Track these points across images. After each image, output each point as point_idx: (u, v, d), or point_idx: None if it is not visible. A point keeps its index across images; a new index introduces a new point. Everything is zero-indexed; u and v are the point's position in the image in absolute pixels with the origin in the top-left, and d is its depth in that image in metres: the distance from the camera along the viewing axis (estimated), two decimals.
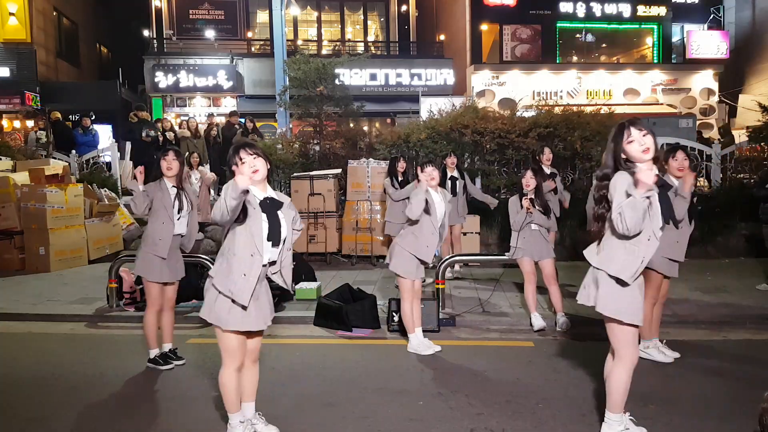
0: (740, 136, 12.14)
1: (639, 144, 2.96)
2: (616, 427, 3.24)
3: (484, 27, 19.64)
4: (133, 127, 12.14)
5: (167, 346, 4.77)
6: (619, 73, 19.89)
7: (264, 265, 3.12)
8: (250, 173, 3.01)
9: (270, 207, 3.09)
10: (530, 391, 4.15)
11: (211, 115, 14.79)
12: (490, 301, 6.39)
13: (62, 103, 15.86)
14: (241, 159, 3.03)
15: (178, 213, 4.48)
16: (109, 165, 12.30)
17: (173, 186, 4.51)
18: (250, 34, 20.93)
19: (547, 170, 6.78)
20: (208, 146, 12.44)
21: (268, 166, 3.13)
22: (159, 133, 12.17)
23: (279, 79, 12.06)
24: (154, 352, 4.70)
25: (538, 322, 5.52)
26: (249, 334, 3.24)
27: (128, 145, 12.51)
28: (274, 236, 3.08)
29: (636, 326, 3.10)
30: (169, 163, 4.47)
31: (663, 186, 3.08)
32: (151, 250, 4.50)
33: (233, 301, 3.07)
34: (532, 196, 5.39)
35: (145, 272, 4.55)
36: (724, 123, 17.05)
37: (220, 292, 3.10)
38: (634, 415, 3.54)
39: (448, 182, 7.25)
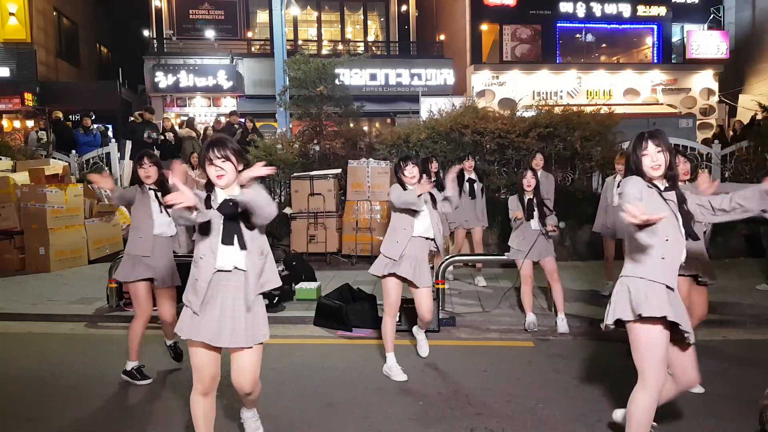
0: None
1: (651, 159, 2.87)
2: None
3: (484, 27, 19.64)
4: (136, 127, 12.14)
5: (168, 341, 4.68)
6: (619, 73, 19.89)
7: (220, 271, 2.81)
8: (215, 177, 2.82)
9: (230, 209, 2.79)
10: (530, 391, 4.15)
11: (218, 118, 14.77)
12: (490, 300, 6.40)
13: (62, 103, 15.85)
14: (209, 160, 2.81)
15: (160, 213, 4.33)
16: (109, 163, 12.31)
17: (151, 188, 4.38)
18: (250, 34, 20.93)
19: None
20: None
21: (240, 168, 2.85)
22: (159, 135, 12.16)
23: (279, 79, 12.05)
24: (131, 365, 4.42)
25: (529, 319, 5.55)
26: (235, 360, 2.91)
27: (128, 144, 12.51)
28: (230, 239, 2.80)
29: (655, 338, 2.84)
30: (147, 171, 4.34)
31: (681, 200, 2.93)
32: (131, 250, 4.33)
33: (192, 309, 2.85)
34: (530, 197, 5.40)
35: (124, 275, 4.34)
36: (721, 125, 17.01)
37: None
38: None
39: (466, 184, 7.14)
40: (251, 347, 2.87)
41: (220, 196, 2.85)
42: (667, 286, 2.87)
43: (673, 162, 2.89)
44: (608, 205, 6.43)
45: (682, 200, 2.93)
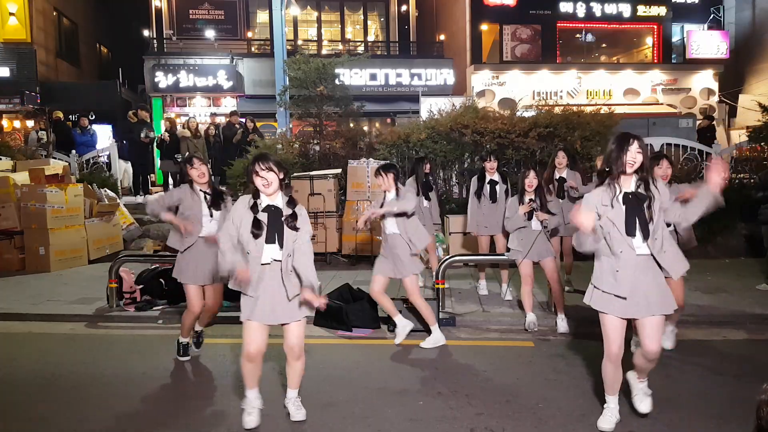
0: (740, 136, 12.16)
1: (631, 156, 3.23)
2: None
3: (484, 27, 19.64)
4: (132, 127, 12.08)
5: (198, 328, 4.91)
6: (619, 73, 19.89)
7: (265, 264, 3.43)
8: (262, 187, 3.42)
9: (271, 213, 3.43)
10: (530, 391, 4.16)
11: (213, 115, 14.77)
12: (490, 300, 6.41)
13: (62, 103, 15.85)
14: (256, 173, 3.38)
15: (210, 216, 4.53)
16: (109, 165, 12.31)
17: (203, 191, 4.53)
18: (250, 34, 20.92)
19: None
20: (208, 146, 12.42)
21: (281, 176, 3.46)
22: (156, 134, 12.15)
23: (279, 79, 12.05)
24: (184, 340, 4.84)
25: (529, 319, 5.53)
26: (285, 333, 3.61)
27: (125, 145, 12.45)
28: (272, 239, 3.41)
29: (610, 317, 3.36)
30: (200, 171, 4.50)
31: (631, 202, 3.26)
32: (181, 249, 4.56)
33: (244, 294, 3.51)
34: (534, 202, 5.37)
35: (178, 273, 4.59)
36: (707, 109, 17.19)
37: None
38: (634, 415, 3.56)
39: (487, 187, 6.61)
40: (297, 321, 3.56)
41: (264, 202, 3.45)
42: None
43: (646, 165, 3.28)
44: None
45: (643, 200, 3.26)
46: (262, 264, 3.43)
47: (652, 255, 3.28)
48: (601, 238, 3.32)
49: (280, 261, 3.44)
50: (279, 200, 3.49)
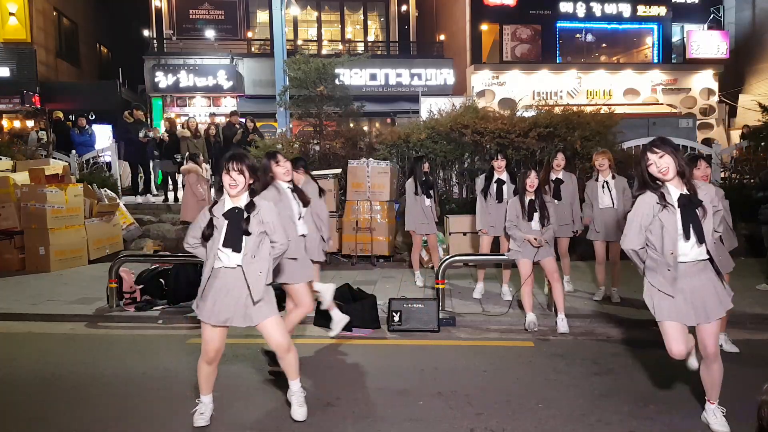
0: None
1: (656, 167, 3.20)
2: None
3: (484, 27, 19.65)
4: (129, 127, 12.00)
5: None
6: (619, 73, 19.89)
7: (226, 267, 3.39)
8: (228, 186, 3.37)
9: (233, 216, 3.36)
10: (530, 391, 4.15)
11: (213, 115, 14.74)
12: (490, 300, 6.41)
13: (62, 103, 15.85)
14: (227, 170, 3.35)
15: (299, 216, 4.43)
16: (109, 165, 12.29)
17: (289, 187, 4.43)
18: (250, 34, 20.93)
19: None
20: (208, 146, 12.40)
21: (251, 180, 3.40)
22: (156, 135, 12.11)
23: (279, 79, 12.04)
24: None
25: (529, 319, 5.52)
26: (264, 335, 3.60)
27: (121, 145, 12.39)
28: (231, 243, 3.34)
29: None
30: (286, 168, 4.39)
31: (686, 205, 3.19)
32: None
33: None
34: (540, 236, 5.37)
35: (290, 278, 4.35)
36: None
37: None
38: (633, 415, 3.56)
39: (494, 186, 6.41)
40: (269, 318, 3.49)
41: (227, 203, 3.39)
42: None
43: (679, 161, 3.21)
44: (596, 208, 6.23)
45: (684, 202, 3.19)
46: (217, 267, 3.40)
47: (709, 258, 3.22)
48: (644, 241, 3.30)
49: (237, 267, 3.37)
50: (242, 202, 3.41)
